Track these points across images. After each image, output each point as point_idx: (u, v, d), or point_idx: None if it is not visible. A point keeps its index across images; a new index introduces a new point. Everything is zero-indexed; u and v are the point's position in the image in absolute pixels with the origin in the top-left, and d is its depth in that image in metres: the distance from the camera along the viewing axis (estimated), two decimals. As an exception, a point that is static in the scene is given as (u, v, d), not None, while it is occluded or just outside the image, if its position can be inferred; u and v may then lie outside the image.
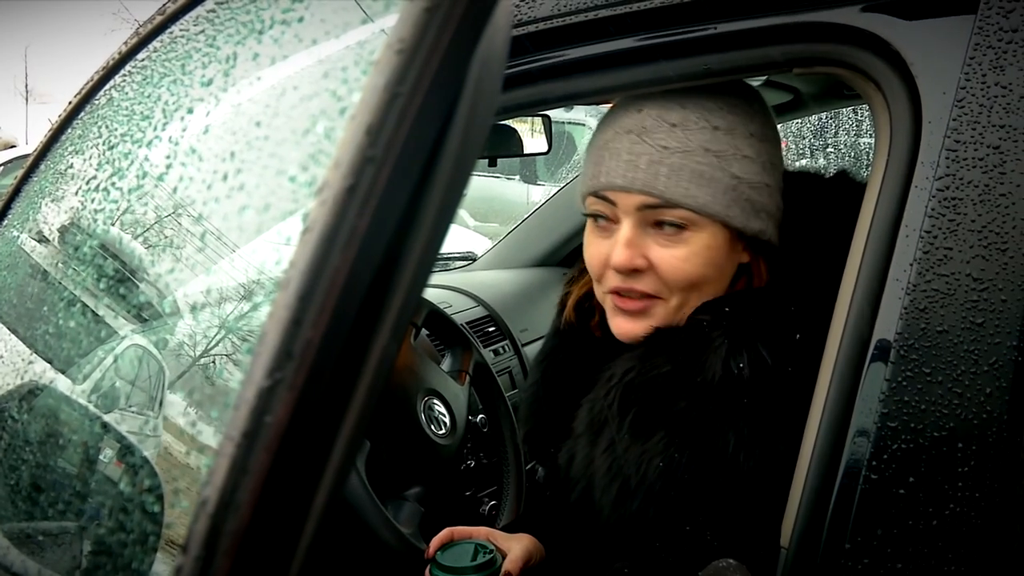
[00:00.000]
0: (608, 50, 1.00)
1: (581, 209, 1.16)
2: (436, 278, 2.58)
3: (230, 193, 0.88)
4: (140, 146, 1.10)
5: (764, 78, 1.74)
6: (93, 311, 1.12)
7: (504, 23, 0.57)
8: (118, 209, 1.11)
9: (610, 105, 1.18)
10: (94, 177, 1.17)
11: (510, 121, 2.55)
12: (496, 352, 2.31)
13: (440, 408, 1.59)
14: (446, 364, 1.78)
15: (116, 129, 1.19)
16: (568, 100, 1.10)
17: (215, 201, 0.93)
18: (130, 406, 1.11)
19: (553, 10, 1.01)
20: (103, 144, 1.19)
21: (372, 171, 0.51)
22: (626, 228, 1.08)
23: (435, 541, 1.23)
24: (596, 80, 1.03)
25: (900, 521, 0.77)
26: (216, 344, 1.02)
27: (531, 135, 3.01)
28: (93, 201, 1.15)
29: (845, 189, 1.14)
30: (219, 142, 1.02)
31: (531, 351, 2.39)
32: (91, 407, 1.12)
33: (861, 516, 0.79)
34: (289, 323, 0.51)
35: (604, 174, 1.09)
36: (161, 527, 0.95)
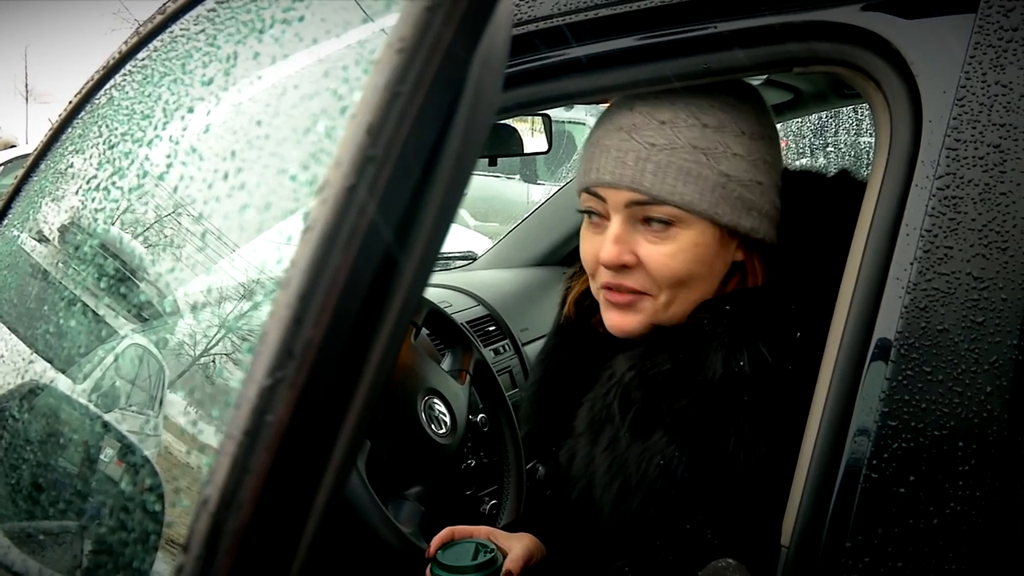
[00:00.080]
0: (608, 49, 1.00)
1: (578, 206, 1.17)
2: (436, 277, 2.58)
3: (231, 192, 0.88)
4: (140, 145, 1.10)
5: (764, 77, 1.74)
6: (93, 310, 1.12)
7: (505, 22, 0.57)
8: (118, 208, 1.11)
9: (607, 106, 1.19)
10: (94, 176, 1.17)
11: (510, 120, 2.55)
12: (496, 351, 2.31)
13: (440, 407, 1.59)
14: (446, 363, 1.78)
15: (116, 128, 1.19)
16: (568, 99, 1.10)
17: (216, 200, 0.93)
18: (130, 405, 1.11)
19: (553, 9, 1.01)
20: (103, 143, 1.19)
21: (373, 170, 0.51)
22: (615, 224, 1.09)
23: (436, 540, 1.23)
24: (596, 79, 1.03)
25: (901, 520, 0.77)
26: (216, 343, 1.02)
27: (531, 134, 3.01)
28: (93, 200, 1.15)
29: (846, 188, 1.15)
30: (220, 141, 1.02)
31: (531, 350, 2.39)
32: (91, 406, 1.12)
33: (862, 515, 0.79)
34: (290, 322, 0.51)
35: (595, 171, 1.10)
36: (162, 526, 0.95)
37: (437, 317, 1.80)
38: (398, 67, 0.52)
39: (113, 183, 1.11)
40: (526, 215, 2.91)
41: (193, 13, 1.15)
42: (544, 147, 2.64)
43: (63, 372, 1.14)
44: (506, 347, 2.36)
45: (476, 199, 8.34)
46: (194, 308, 1.09)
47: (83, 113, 1.30)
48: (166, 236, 1.08)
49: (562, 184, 3.05)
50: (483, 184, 8.50)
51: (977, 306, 0.77)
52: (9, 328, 1.25)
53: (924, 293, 0.78)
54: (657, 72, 1.00)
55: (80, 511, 1.10)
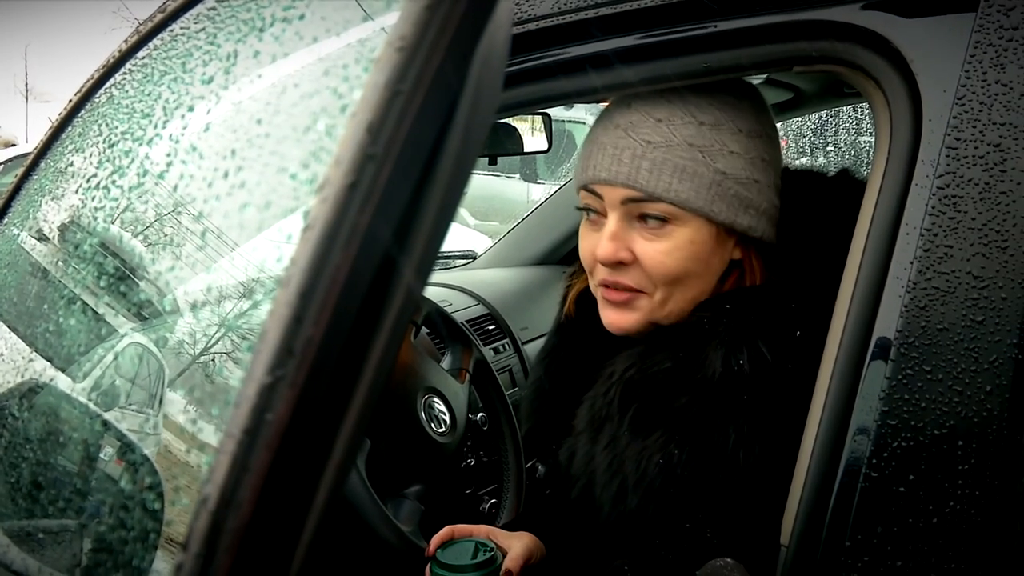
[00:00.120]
0: (608, 48, 1.00)
1: (577, 204, 1.17)
2: (436, 276, 2.58)
3: (231, 191, 0.88)
4: (140, 144, 1.10)
5: (764, 76, 1.74)
6: (93, 309, 1.12)
7: (505, 21, 0.57)
8: (118, 207, 1.11)
9: (606, 105, 1.19)
10: (94, 175, 1.17)
11: (510, 119, 2.55)
12: (496, 350, 2.32)
13: (440, 406, 1.59)
14: (446, 362, 1.78)
15: (116, 127, 1.19)
16: (568, 98, 1.11)
17: (216, 199, 0.93)
18: (130, 404, 1.11)
19: (554, 8, 1.01)
20: (103, 142, 1.19)
21: (373, 169, 0.51)
22: (611, 221, 1.10)
23: (435, 539, 1.23)
24: (596, 78, 1.03)
25: (900, 519, 0.77)
26: (216, 342, 1.02)
27: (531, 133, 3.01)
28: (93, 199, 1.15)
29: (846, 187, 1.15)
30: (220, 140, 1.02)
31: (531, 349, 2.39)
32: (91, 405, 1.12)
33: (861, 514, 0.79)
34: (290, 320, 0.51)
35: (592, 168, 1.11)
36: (161, 525, 0.95)
37: (437, 316, 1.80)
38: (398, 65, 0.52)
39: (113, 182, 1.11)
40: (526, 214, 2.91)
41: (193, 12, 1.15)
42: (544, 146, 2.64)
43: (63, 371, 1.14)
44: (506, 346, 2.36)
45: (476, 198, 8.34)
46: (194, 307, 1.09)
47: (83, 112, 1.30)
48: (166, 235, 1.08)
49: (562, 183, 3.05)
50: (483, 183, 8.50)
51: (977, 305, 0.77)
52: (9, 327, 1.25)
53: (924, 292, 0.78)
54: (657, 71, 1.00)
55: (80, 509, 1.10)
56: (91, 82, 1.30)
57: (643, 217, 1.09)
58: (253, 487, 0.51)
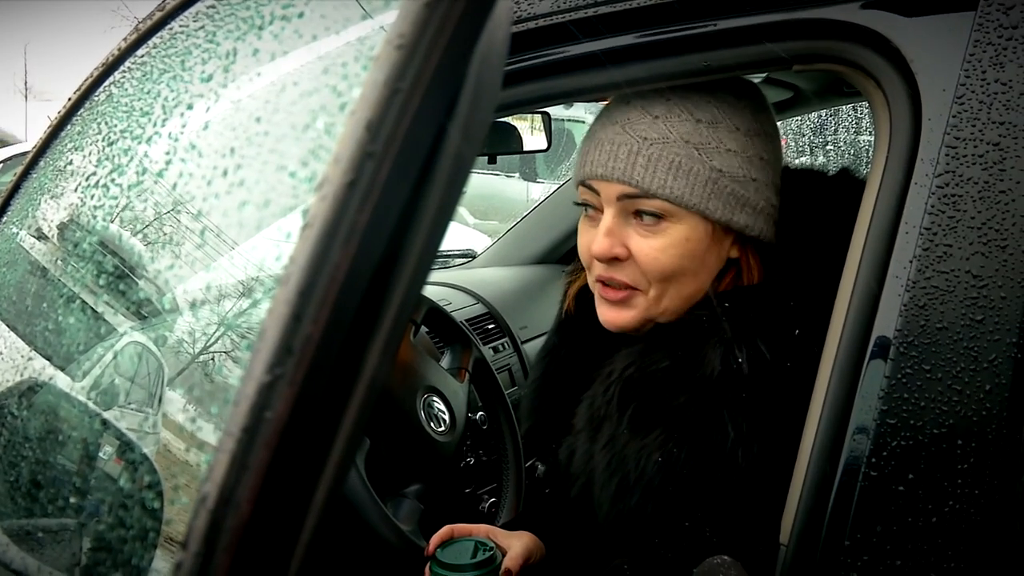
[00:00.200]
0: (608, 47, 0.99)
1: (576, 199, 1.18)
2: (436, 275, 2.58)
3: (230, 189, 0.88)
4: (140, 142, 1.10)
5: (764, 75, 1.74)
6: (92, 308, 1.12)
7: (504, 19, 0.57)
8: (117, 205, 1.11)
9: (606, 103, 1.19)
10: (93, 173, 1.17)
11: (510, 118, 2.55)
12: (496, 349, 2.32)
13: (440, 405, 1.59)
14: (446, 361, 1.78)
15: (116, 125, 1.19)
16: (568, 97, 1.10)
17: (215, 197, 0.93)
18: (129, 403, 1.11)
19: (553, 7, 1.01)
20: (102, 140, 1.19)
21: (372, 167, 0.51)
22: (607, 217, 1.10)
23: (435, 539, 1.23)
24: (596, 77, 1.03)
25: (900, 518, 0.77)
26: (215, 341, 1.02)
27: (531, 132, 3.01)
28: (92, 197, 1.15)
29: (847, 186, 1.14)
30: (219, 138, 1.02)
31: (531, 348, 2.39)
32: (90, 404, 1.12)
33: (861, 513, 0.79)
34: (289, 319, 0.51)
35: (589, 163, 1.11)
36: (161, 523, 0.95)
37: (436, 315, 1.80)
38: (397, 64, 0.52)
39: (112, 180, 1.11)
40: (525, 213, 2.91)
41: (192, 10, 1.15)
42: (543, 145, 2.64)
43: (62, 369, 1.14)
44: (505, 345, 2.36)
45: (475, 197, 8.34)
46: (193, 305, 1.08)
47: (82, 110, 1.30)
48: (165, 233, 1.08)
49: (561, 182, 3.05)
50: (482, 182, 8.50)
51: (976, 304, 0.77)
52: (8, 325, 1.25)
53: (923, 291, 0.78)
54: (656, 70, 1.00)
55: (79, 508, 1.10)
56: (90, 80, 1.30)
57: (639, 213, 1.09)
58: (252, 486, 0.51)
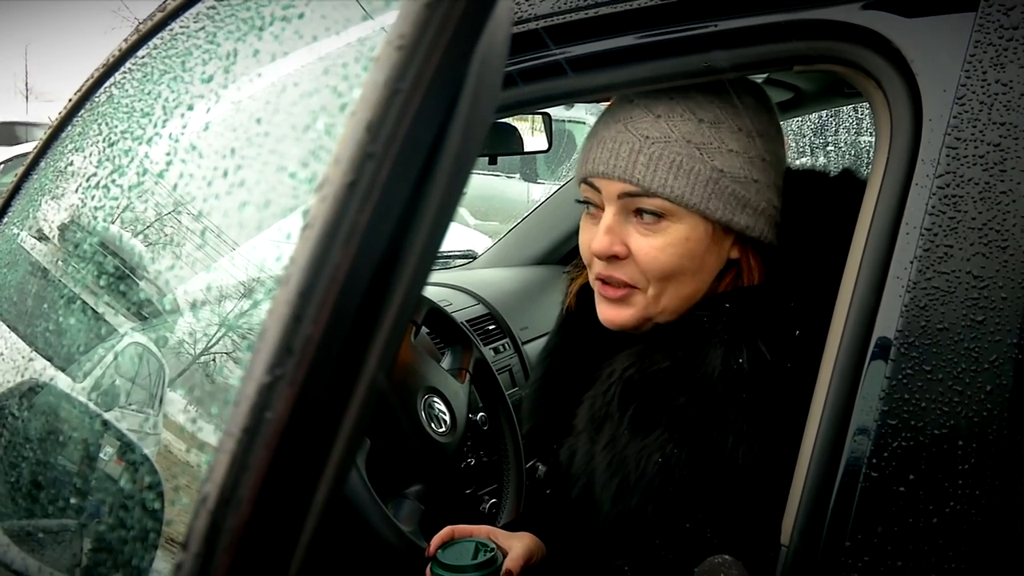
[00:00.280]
0: (609, 47, 0.99)
1: (578, 197, 1.18)
2: (436, 276, 2.58)
3: (230, 190, 0.88)
4: (140, 143, 1.10)
5: (765, 76, 1.74)
6: (93, 309, 1.12)
7: (505, 20, 0.57)
8: (118, 206, 1.11)
9: (608, 103, 1.19)
10: (94, 174, 1.17)
11: (510, 119, 2.55)
12: (496, 350, 2.32)
13: (440, 406, 1.59)
14: (446, 362, 1.78)
15: (116, 126, 1.19)
16: (569, 98, 1.11)
17: (215, 198, 0.93)
18: (130, 404, 1.11)
19: (554, 7, 1.01)
20: (103, 141, 1.19)
21: (372, 167, 0.51)
22: (608, 215, 1.10)
23: (436, 539, 1.23)
24: (597, 77, 1.03)
25: (901, 519, 0.77)
26: (216, 341, 1.02)
27: (531, 133, 3.01)
28: (93, 198, 1.15)
29: (848, 187, 1.14)
30: (219, 139, 1.02)
31: (531, 349, 2.39)
32: (91, 405, 1.12)
33: (861, 514, 0.78)
34: (290, 319, 0.51)
35: (591, 161, 1.11)
36: (161, 524, 0.95)
37: (437, 316, 1.80)
38: (398, 64, 0.52)
39: (113, 181, 1.11)
40: (526, 214, 2.91)
41: (193, 11, 1.15)
42: (544, 146, 2.64)
43: (63, 370, 1.14)
44: (506, 346, 2.36)
45: (476, 198, 8.34)
46: (194, 306, 1.08)
47: (83, 111, 1.30)
48: (166, 234, 1.08)
49: (562, 183, 3.05)
50: (483, 183, 8.50)
51: (977, 305, 0.76)
52: (9, 326, 1.25)
53: (924, 292, 0.78)
54: (657, 70, 1.00)
55: (80, 509, 1.10)
56: (91, 81, 1.30)
57: (639, 212, 1.09)
58: (253, 486, 0.51)
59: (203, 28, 1.10)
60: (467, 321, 2.26)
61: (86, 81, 1.31)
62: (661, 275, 1.09)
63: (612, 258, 1.10)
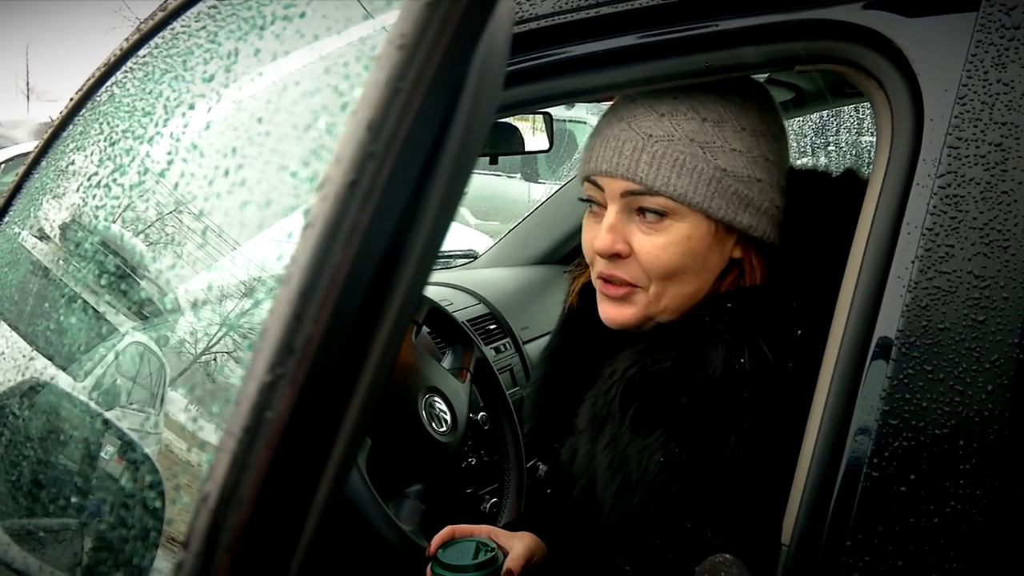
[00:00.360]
0: (610, 47, 0.99)
1: (582, 195, 1.18)
2: (437, 276, 2.58)
3: (232, 189, 0.88)
4: (142, 142, 1.10)
5: (766, 75, 1.74)
6: (94, 308, 1.12)
7: (506, 20, 0.57)
8: (119, 206, 1.11)
9: (611, 103, 1.19)
10: (95, 174, 1.17)
11: (511, 119, 2.55)
12: (497, 350, 2.32)
13: (441, 405, 1.59)
14: (447, 362, 1.78)
15: (118, 125, 1.19)
16: (570, 97, 1.11)
17: (216, 197, 0.93)
18: (131, 403, 1.11)
19: (555, 7, 1.01)
20: (105, 141, 1.19)
21: (374, 167, 0.51)
22: (610, 214, 1.10)
23: (436, 539, 1.23)
24: (598, 77, 1.03)
25: (901, 519, 0.77)
26: (217, 341, 1.02)
27: (532, 133, 3.01)
28: (94, 198, 1.15)
29: (851, 187, 1.14)
30: (221, 138, 1.02)
31: (532, 349, 2.39)
32: (92, 404, 1.12)
33: (862, 514, 0.78)
34: (290, 318, 0.51)
35: (593, 159, 1.11)
36: (162, 523, 0.95)
37: (438, 315, 1.80)
38: (399, 64, 0.52)
39: (114, 180, 1.11)
40: (527, 214, 2.91)
41: (194, 10, 1.15)
42: (545, 145, 2.64)
43: (64, 369, 1.14)
44: (507, 345, 2.36)
45: (477, 197, 8.34)
46: (195, 305, 1.09)
47: (84, 111, 1.30)
48: (167, 233, 1.08)
49: (563, 183, 3.05)
50: (484, 182, 8.50)
51: (978, 304, 0.76)
52: (10, 325, 1.25)
53: (925, 291, 0.78)
54: (658, 70, 1.00)
55: (80, 508, 1.10)
56: (92, 81, 1.30)
57: (642, 211, 1.09)
58: (253, 485, 0.51)
59: (204, 27, 1.10)
60: (468, 321, 2.26)
61: (87, 80, 1.31)
62: (663, 274, 1.09)
63: (614, 257, 1.10)
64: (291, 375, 0.51)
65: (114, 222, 1.12)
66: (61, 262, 1.23)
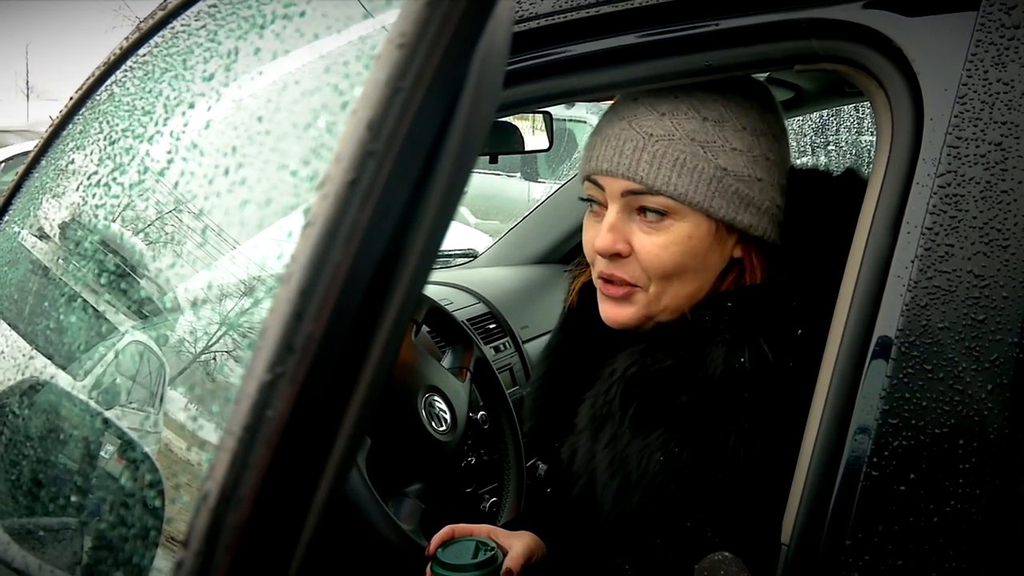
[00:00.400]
0: (610, 46, 1.00)
1: (582, 194, 1.18)
2: (437, 275, 2.58)
3: (231, 188, 0.88)
4: (141, 141, 1.10)
5: (766, 75, 1.74)
6: (94, 307, 1.12)
7: (506, 19, 0.57)
8: (119, 205, 1.11)
9: (611, 102, 1.19)
10: (95, 173, 1.17)
11: (511, 118, 2.55)
12: (497, 349, 2.32)
13: (441, 405, 1.59)
14: (447, 361, 1.78)
15: (117, 124, 1.19)
16: (569, 97, 1.11)
17: (216, 196, 0.93)
18: (131, 402, 1.11)
19: (555, 6, 1.01)
20: (104, 140, 1.19)
21: (374, 166, 0.51)
22: (611, 213, 1.10)
23: (436, 538, 1.23)
24: (597, 76, 1.03)
25: (901, 518, 0.77)
26: (217, 340, 1.02)
27: (532, 132, 3.01)
28: (94, 197, 1.15)
29: (851, 187, 1.14)
30: (220, 137, 1.02)
31: (532, 348, 2.39)
32: (92, 403, 1.12)
33: (862, 513, 0.78)
34: (290, 317, 0.51)
35: (594, 159, 1.11)
36: (162, 522, 0.95)
37: (438, 314, 1.80)
38: (399, 63, 0.52)
39: (114, 179, 1.11)
40: (527, 213, 2.91)
41: (194, 9, 1.15)
42: (545, 145, 2.64)
43: (63, 368, 1.14)
44: (506, 345, 2.36)
45: (477, 197, 8.34)
46: (195, 304, 1.09)
47: (84, 110, 1.30)
48: (167, 232, 1.08)
49: (563, 182, 3.05)
50: (484, 182, 8.49)
51: (978, 304, 0.76)
52: (9, 324, 1.25)
53: (925, 291, 0.78)
54: (658, 69, 1.00)
55: (80, 507, 1.10)
56: (92, 80, 1.30)
57: (643, 210, 1.09)
58: (253, 484, 0.51)
59: (204, 26, 1.10)
60: (468, 320, 2.26)
61: (87, 80, 1.31)
62: (663, 273, 1.09)
63: (615, 256, 1.10)
64: (291, 374, 0.51)
65: (114, 221, 1.12)
66: (61, 261, 1.23)
